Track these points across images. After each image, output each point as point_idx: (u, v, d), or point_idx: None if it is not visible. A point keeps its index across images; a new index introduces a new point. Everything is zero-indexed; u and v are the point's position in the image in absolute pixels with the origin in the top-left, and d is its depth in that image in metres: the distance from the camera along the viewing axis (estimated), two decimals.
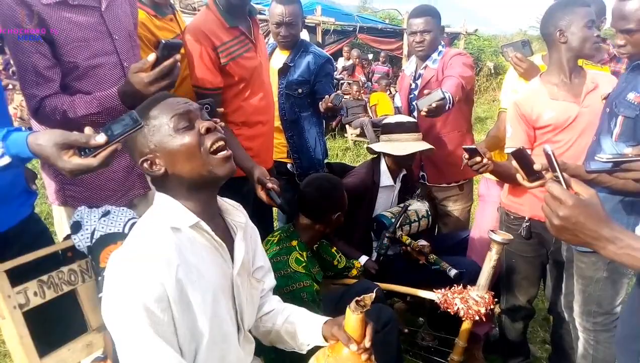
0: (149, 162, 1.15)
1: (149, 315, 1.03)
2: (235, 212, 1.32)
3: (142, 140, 1.15)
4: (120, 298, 1.04)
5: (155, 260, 1.06)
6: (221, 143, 1.17)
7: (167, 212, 1.16)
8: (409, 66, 2.86)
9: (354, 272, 2.29)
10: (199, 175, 1.16)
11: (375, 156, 2.61)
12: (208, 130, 1.16)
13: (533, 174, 1.69)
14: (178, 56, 1.43)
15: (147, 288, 1.03)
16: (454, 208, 2.83)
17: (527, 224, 2.15)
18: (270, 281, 1.49)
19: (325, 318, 1.36)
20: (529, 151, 1.93)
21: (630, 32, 1.70)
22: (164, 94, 1.24)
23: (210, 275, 1.17)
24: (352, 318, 1.22)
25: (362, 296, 1.25)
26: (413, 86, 2.77)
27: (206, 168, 1.15)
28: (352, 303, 1.23)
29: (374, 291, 1.28)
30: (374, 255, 2.47)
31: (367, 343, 1.22)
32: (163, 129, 1.13)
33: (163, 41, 1.41)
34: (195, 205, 1.19)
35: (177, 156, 1.14)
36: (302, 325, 1.39)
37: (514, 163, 1.73)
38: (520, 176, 1.74)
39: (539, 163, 1.62)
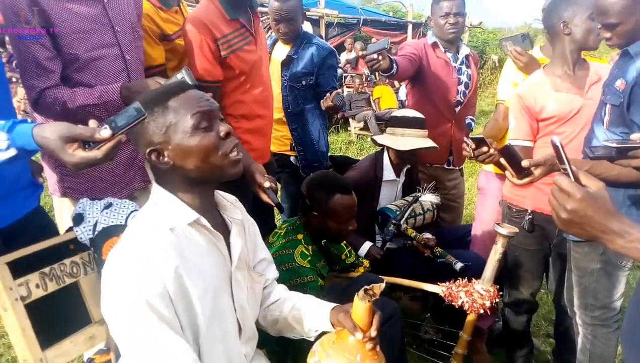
0: (156, 153, 1.12)
1: (152, 310, 1.02)
2: (231, 208, 1.31)
3: (154, 129, 1.11)
4: (122, 295, 1.03)
5: (154, 259, 1.05)
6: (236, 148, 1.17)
7: (166, 210, 1.15)
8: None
9: (361, 270, 2.26)
10: (208, 173, 1.15)
11: (379, 149, 2.59)
12: (227, 135, 1.15)
13: (522, 171, 1.67)
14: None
15: (148, 285, 1.03)
16: (457, 195, 2.92)
17: (530, 216, 2.13)
18: (273, 272, 1.49)
19: (333, 305, 1.35)
20: (519, 146, 1.99)
21: (611, 26, 1.68)
22: (184, 83, 1.18)
23: (209, 272, 1.16)
24: (360, 306, 1.21)
25: (371, 285, 1.24)
26: (457, 67, 2.78)
27: (218, 170, 1.16)
28: (361, 292, 1.22)
29: (384, 282, 1.27)
30: (379, 244, 2.46)
31: (373, 332, 1.20)
32: (182, 124, 1.10)
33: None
34: (194, 199, 1.18)
35: (192, 153, 1.12)
36: (309, 311, 1.38)
37: (502, 161, 1.71)
38: (509, 174, 1.72)
39: (526, 160, 1.62)
